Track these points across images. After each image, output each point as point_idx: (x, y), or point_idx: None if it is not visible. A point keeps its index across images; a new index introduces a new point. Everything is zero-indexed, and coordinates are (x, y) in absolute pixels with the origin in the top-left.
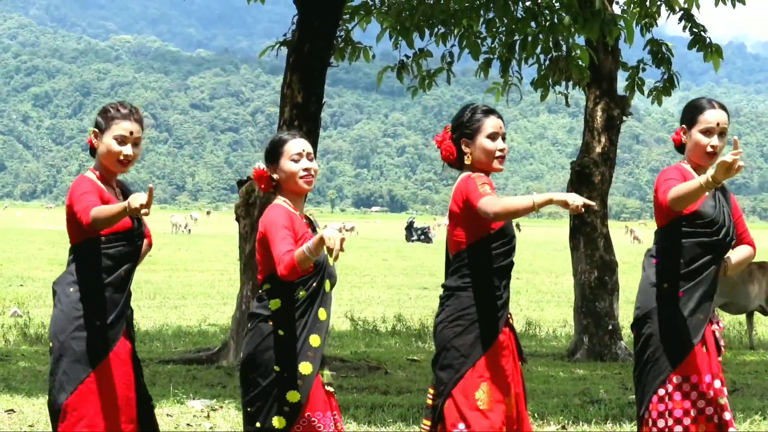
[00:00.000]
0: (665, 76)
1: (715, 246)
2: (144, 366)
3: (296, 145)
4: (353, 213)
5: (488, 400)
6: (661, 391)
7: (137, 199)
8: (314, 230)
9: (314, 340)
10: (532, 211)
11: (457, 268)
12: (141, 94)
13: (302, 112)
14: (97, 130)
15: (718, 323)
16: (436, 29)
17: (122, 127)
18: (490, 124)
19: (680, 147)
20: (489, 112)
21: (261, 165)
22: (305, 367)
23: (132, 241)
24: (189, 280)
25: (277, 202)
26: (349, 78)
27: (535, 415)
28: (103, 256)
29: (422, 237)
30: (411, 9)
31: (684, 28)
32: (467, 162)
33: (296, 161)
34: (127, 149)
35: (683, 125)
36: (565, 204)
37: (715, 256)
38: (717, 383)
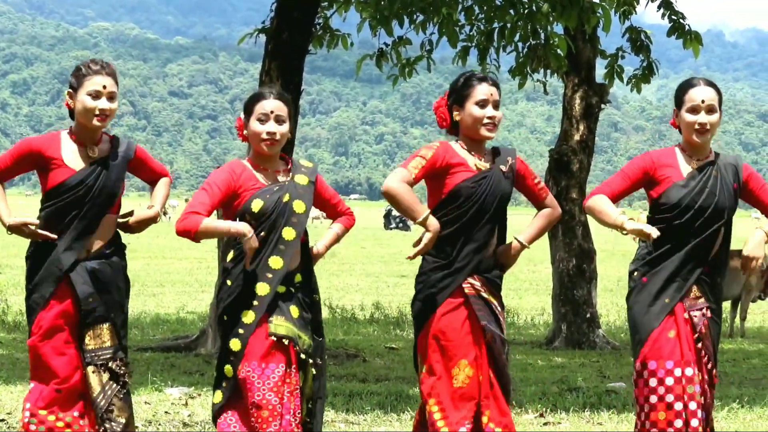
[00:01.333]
0: (644, 64)
1: (680, 229)
2: None
3: (266, 105)
4: None
5: (431, 368)
6: (633, 377)
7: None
8: (292, 177)
9: (261, 289)
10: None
11: None
12: (119, 82)
13: None
14: (71, 91)
15: (702, 309)
16: (415, 17)
17: (95, 81)
18: (481, 90)
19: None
20: (482, 79)
21: (242, 115)
22: (247, 316)
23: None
24: (167, 267)
25: (235, 159)
26: (328, 66)
27: (513, 403)
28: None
29: (400, 225)
30: None
31: (663, 15)
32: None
33: (262, 122)
34: (102, 103)
35: (675, 108)
36: None
37: (681, 239)
38: (678, 371)
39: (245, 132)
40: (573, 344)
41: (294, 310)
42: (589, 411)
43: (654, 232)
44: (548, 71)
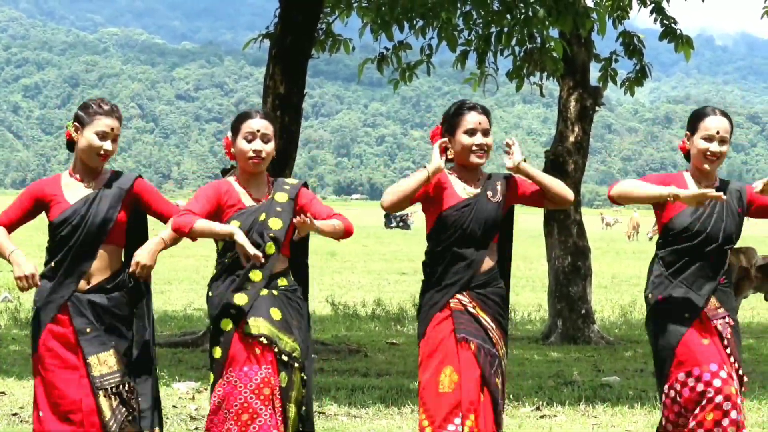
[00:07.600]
0: (637, 67)
1: (691, 252)
2: None
3: (253, 124)
4: (334, 201)
5: (422, 377)
6: (672, 386)
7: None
8: (272, 196)
9: (239, 299)
10: (426, 183)
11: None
12: (128, 86)
13: (285, 102)
14: (78, 124)
15: (724, 318)
16: (415, 22)
17: (104, 123)
18: (470, 119)
19: (687, 155)
20: (472, 108)
21: (230, 134)
22: (225, 324)
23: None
24: (174, 265)
25: (223, 179)
26: (330, 69)
27: (510, 396)
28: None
29: (401, 224)
30: (391, 3)
31: (655, 20)
32: (449, 156)
33: (249, 141)
34: (108, 145)
35: (687, 132)
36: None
37: (693, 258)
38: (723, 373)
39: (232, 150)
40: (568, 339)
41: (275, 313)
42: (584, 404)
43: (720, 194)
44: (544, 74)
